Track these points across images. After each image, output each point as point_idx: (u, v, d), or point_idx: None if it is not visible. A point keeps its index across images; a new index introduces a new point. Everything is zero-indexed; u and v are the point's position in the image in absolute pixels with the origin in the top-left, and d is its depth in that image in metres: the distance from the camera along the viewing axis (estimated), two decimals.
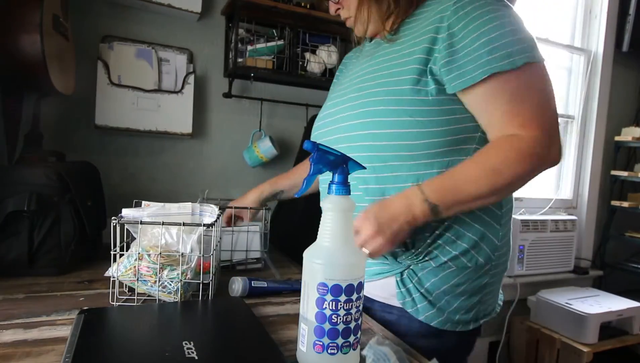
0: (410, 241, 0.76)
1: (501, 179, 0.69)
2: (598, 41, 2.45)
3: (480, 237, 0.76)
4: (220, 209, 0.87)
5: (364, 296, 0.77)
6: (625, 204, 2.38)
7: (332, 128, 0.85)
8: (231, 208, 1.11)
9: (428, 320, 0.76)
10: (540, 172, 0.72)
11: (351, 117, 0.80)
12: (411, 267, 0.76)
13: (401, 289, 0.77)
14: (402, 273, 0.77)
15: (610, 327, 2.00)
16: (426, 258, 0.76)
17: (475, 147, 0.75)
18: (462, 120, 0.74)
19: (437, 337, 0.77)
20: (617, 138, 2.47)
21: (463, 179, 0.70)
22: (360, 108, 0.78)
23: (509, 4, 0.73)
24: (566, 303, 1.95)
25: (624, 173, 2.43)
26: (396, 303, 0.78)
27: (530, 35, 0.71)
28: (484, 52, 0.68)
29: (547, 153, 0.69)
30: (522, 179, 0.70)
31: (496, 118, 0.71)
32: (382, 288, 0.79)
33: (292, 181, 1.15)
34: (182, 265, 0.75)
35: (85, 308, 0.67)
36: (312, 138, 0.92)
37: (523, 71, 0.69)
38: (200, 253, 0.78)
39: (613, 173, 2.49)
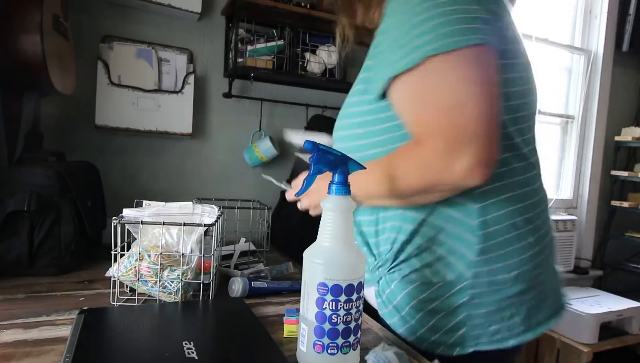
0: (376, 252, 0.73)
1: (398, 186, 0.63)
2: (598, 41, 2.45)
3: (448, 250, 0.67)
4: (220, 210, 0.87)
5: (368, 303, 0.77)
6: (625, 204, 2.38)
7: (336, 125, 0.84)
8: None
9: (405, 334, 0.69)
10: (444, 191, 0.62)
11: (341, 116, 0.80)
12: (384, 279, 0.72)
13: (378, 299, 0.73)
14: (378, 283, 0.73)
15: (610, 327, 2.00)
16: (392, 270, 0.71)
17: None
18: (400, 127, 0.67)
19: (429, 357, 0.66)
20: (617, 138, 2.47)
21: (370, 177, 0.66)
22: (345, 108, 0.78)
23: None
24: None
25: (624, 173, 2.43)
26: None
27: (459, 17, 0.58)
28: (390, 54, 0.62)
29: (445, 169, 0.57)
30: (421, 192, 0.62)
31: (408, 127, 0.64)
32: (371, 296, 0.76)
33: None
34: (182, 265, 0.75)
35: (85, 308, 0.67)
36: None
37: (425, 67, 0.58)
38: (200, 254, 0.78)
39: (613, 173, 2.49)
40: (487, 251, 0.66)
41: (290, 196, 0.85)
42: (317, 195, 0.78)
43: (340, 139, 0.78)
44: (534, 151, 0.73)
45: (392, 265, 0.71)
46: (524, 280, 0.68)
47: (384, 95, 0.66)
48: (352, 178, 0.63)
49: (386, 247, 0.72)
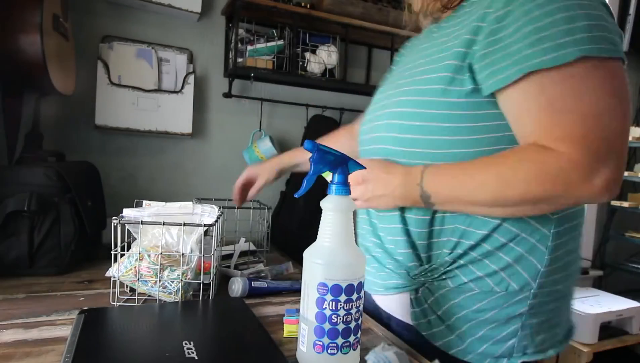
0: (425, 256, 0.66)
1: (509, 193, 0.56)
2: None
3: (516, 258, 0.62)
4: (220, 210, 0.87)
5: (383, 311, 0.75)
6: (625, 204, 2.38)
7: (369, 126, 0.76)
8: (232, 207, 1.10)
9: (445, 347, 0.65)
10: (569, 203, 0.56)
11: (381, 118, 0.71)
12: (426, 285, 0.67)
13: (415, 308, 0.67)
14: (416, 291, 0.67)
15: (610, 326, 2.00)
16: (443, 277, 0.65)
17: None
18: (500, 128, 0.60)
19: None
20: None
21: (468, 177, 0.58)
22: (390, 108, 0.69)
23: None
24: None
25: (624, 173, 2.43)
26: (414, 323, 0.68)
27: (605, 24, 0.54)
28: (525, 45, 0.54)
29: (583, 182, 0.52)
30: (536, 202, 0.56)
31: (529, 129, 0.56)
32: (399, 304, 0.71)
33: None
34: (182, 265, 0.75)
35: (85, 308, 0.67)
36: (360, 135, 0.82)
37: (575, 68, 0.52)
38: (200, 254, 0.78)
39: None
40: (554, 262, 0.63)
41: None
42: (374, 185, 0.66)
43: (407, 130, 0.65)
44: None
45: (446, 270, 0.65)
46: (571, 290, 0.69)
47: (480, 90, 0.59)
48: (435, 168, 0.61)
49: (442, 251, 0.65)
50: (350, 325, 0.53)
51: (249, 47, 1.48)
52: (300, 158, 1.08)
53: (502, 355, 0.64)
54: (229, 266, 0.99)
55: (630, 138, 2.40)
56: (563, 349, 0.68)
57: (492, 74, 0.57)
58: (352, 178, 0.59)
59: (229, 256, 1.04)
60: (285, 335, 0.65)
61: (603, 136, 0.52)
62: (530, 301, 0.63)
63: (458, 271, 0.64)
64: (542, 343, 0.65)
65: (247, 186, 1.08)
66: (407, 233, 0.67)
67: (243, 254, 1.10)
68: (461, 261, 0.64)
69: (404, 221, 0.68)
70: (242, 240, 1.09)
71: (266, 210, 1.13)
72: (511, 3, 0.56)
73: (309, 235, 0.59)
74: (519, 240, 0.62)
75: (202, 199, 1.20)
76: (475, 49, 0.59)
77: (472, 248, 0.63)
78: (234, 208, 1.15)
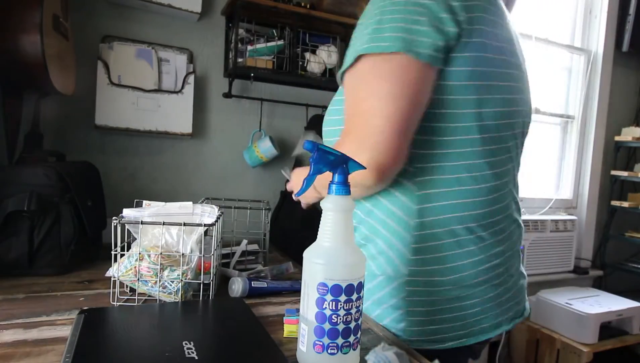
0: None
1: (322, 183, 0.68)
2: (598, 41, 2.45)
3: (388, 245, 0.70)
4: (220, 210, 0.87)
5: None
6: (625, 204, 2.38)
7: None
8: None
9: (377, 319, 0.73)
10: (356, 186, 0.62)
11: None
12: None
13: None
14: None
15: (610, 326, 2.00)
16: None
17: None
18: None
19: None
20: (617, 138, 2.47)
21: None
22: None
23: None
24: (566, 303, 1.95)
25: (624, 173, 2.43)
26: None
27: (397, 24, 0.61)
28: (349, 52, 0.66)
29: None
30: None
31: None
32: None
33: None
34: (182, 265, 0.75)
35: (85, 308, 0.67)
36: None
37: (355, 69, 0.65)
38: (200, 254, 0.78)
39: (613, 173, 2.49)
40: (422, 251, 0.68)
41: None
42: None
43: (327, 134, 0.79)
44: (501, 163, 0.71)
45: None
46: (463, 287, 0.70)
47: None
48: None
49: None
50: (350, 325, 0.53)
51: (249, 47, 1.48)
52: None
53: (397, 335, 0.70)
54: (228, 266, 0.99)
55: (630, 138, 2.40)
56: (469, 344, 0.71)
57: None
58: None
59: (230, 256, 1.04)
60: (285, 335, 0.65)
61: (360, 127, 0.63)
62: (408, 288, 0.69)
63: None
64: (434, 334, 0.70)
65: None
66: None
67: (243, 254, 1.10)
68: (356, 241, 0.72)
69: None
70: (244, 242, 1.08)
71: (263, 210, 1.13)
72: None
73: (309, 235, 0.60)
74: (387, 227, 0.70)
75: (212, 199, 1.20)
76: None
77: (355, 229, 0.73)
78: (233, 207, 1.15)
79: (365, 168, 0.60)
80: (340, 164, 0.55)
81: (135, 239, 0.78)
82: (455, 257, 0.69)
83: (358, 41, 0.64)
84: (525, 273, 0.85)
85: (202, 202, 1.19)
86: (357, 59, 0.64)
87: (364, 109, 0.62)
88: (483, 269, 0.71)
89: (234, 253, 1.04)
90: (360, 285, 0.54)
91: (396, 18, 0.61)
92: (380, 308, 0.72)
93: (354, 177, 0.57)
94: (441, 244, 0.69)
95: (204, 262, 0.79)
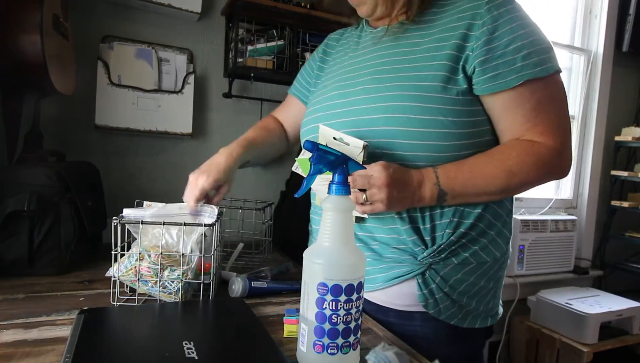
0: (429, 238, 0.74)
1: (514, 181, 0.70)
2: (598, 41, 2.45)
3: (497, 232, 0.77)
4: (220, 210, 0.87)
5: (377, 307, 0.78)
6: (625, 204, 2.38)
7: (342, 120, 0.77)
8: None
9: (449, 319, 0.75)
10: (549, 181, 0.76)
11: (371, 111, 0.74)
12: (433, 266, 0.74)
13: (423, 290, 0.74)
14: (423, 274, 0.74)
15: (610, 327, 2.00)
16: (449, 256, 0.74)
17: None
18: (481, 123, 0.74)
19: (461, 340, 0.77)
20: (617, 138, 2.47)
21: (478, 174, 0.70)
22: (384, 102, 0.72)
23: None
24: (566, 303, 1.95)
25: (624, 173, 2.43)
26: (417, 308, 0.75)
27: (551, 45, 0.73)
28: (518, 57, 0.69)
29: (560, 163, 0.72)
30: (532, 184, 0.73)
31: (518, 123, 0.72)
32: (401, 294, 0.75)
33: (259, 150, 0.97)
34: (182, 265, 0.75)
35: (85, 308, 0.67)
36: (308, 125, 0.86)
37: (551, 79, 0.71)
38: (201, 254, 0.78)
39: (613, 173, 2.49)
40: (511, 230, 0.81)
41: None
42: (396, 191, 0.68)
43: (410, 123, 0.70)
44: None
45: (451, 249, 0.74)
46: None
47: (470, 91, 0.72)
48: (446, 168, 0.70)
49: (446, 231, 0.74)
50: (350, 325, 0.53)
51: (249, 47, 1.48)
52: (251, 153, 0.94)
53: (487, 316, 0.79)
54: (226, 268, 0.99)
55: (630, 138, 2.40)
56: (498, 318, 0.84)
57: (492, 78, 0.70)
58: (373, 180, 0.65)
59: (230, 256, 1.04)
60: (285, 335, 0.65)
61: (566, 129, 0.73)
62: (504, 265, 0.81)
63: (460, 249, 0.75)
64: (496, 307, 0.82)
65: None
66: (411, 220, 0.74)
67: (243, 254, 1.10)
68: (464, 240, 0.75)
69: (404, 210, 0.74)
70: (240, 245, 1.08)
71: (259, 211, 1.13)
72: (497, 19, 0.70)
73: (309, 235, 0.60)
74: (498, 216, 0.77)
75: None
76: (468, 53, 0.70)
77: (471, 227, 0.74)
78: (233, 207, 1.15)
79: (365, 168, 0.61)
80: (340, 164, 0.55)
81: (135, 239, 0.78)
82: (509, 234, 0.82)
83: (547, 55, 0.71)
84: None
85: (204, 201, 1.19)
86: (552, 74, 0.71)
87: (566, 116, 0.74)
88: None
89: (232, 254, 1.04)
90: (360, 285, 0.54)
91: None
92: (480, 294, 0.77)
93: (556, 173, 0.74)
94: (512, 222, 0.82)
95: (204, 262, 0.79)
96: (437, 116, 0.70)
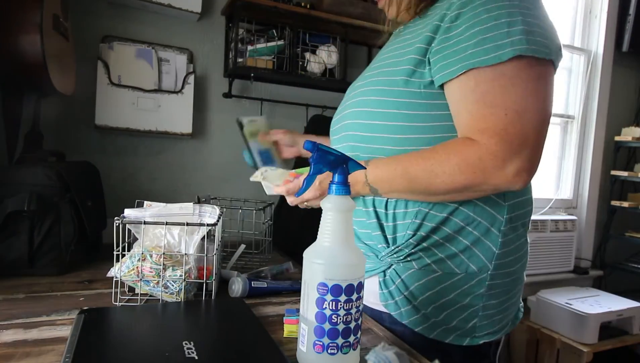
0: (390, 237, 0.71)
1: (437, 183, 0.63)
2: (598, 41, 2.45)
3: (474, 241, 0.68)
4: (221, 210, 0.87)
5: None
6: (625, 204, 2.38)
7: (338, 117, 0.83)
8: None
9: (412, 325, 0.70)
10: (485, 191, 0.63)
11: (348, 107, 0.78)
12: (393, 267, 0.71)
13: (383, 290, 0.72)
14: (384, 273, 0.72)
15: (610, 327, 2.00)
16: (408, 259, 0.70)
17: None
18: (444, 117, 0.67)
19: (433, 350, 0.67)
20: (617, 138, 2.47)
21: (402, 171, 0.65)
22: (355, 97, 0.76)
23: None
24: (566, 303, 1.95)
25: (624, 173, 2.43)
26: (383, 308, 0.73)
27: (545, 28, 0.61)
28: (470, 44, 0.60)
29: (497, 170, 0.59)
30: (461, 190, 0.63)
31: (462, 118, 0.63)
32: (368, 291, 0.74)
33: None
34: (184, 265, 0.75)
35: (85, 308, 0.67)
36: (330, 129, 0.89)
37: (509, 66, 0.59)
38: (202, 253, 0.78)
39: (613, 173, 2.49)
40: (506, 244, 0.70)
41: (290, 199, 0.79)
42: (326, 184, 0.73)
43: (371, 116, 0.71)
44: None
45: (410, 252, 0.69)
46: (523, 272, 0.76)
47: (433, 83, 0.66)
48: (376, 166, 0.67)
49: (407, 233, 0.69)
50: (350, 325, 0.53)
51: (249, 47, 1.48)
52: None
53: (464, 335, 0.70)
54: (227, 267, 0.99)
55: (630, 138, 2.40)
56: (512, 328, 0.77)
57: (441, 68, 0.63)
58: (306, 193, 0.70)
59: (231, 255, 1.03)
60: (285, 335, 0.65)
61: (520, 131, 0.59)
62: (488, 282, 0.69)
63: (422, 254, 0.69)
64: (499, 323, 0.73)
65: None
66: (376, 214, 0.73)
67: (243, 254, 1.10)
68: (424, 244, 0.69)
69: (370, 201, 0.73)
70: (242, 246, 1.08)
71: (258, 211, 1.13)
72: (465, 6, 0.62)
73: (309, 235, 0.60)
74: (475, 223, 0.68)
75: (212, 199, 1.21)
76: (432, 45, 0.65)
77: (434, 230, 0.68)
78: (233, 208, 1.15)
79: (365, 168, 0.61)
80: (340, 164, 0.55)
81: (136, 239, 0.78)
82: (519, 247, 0.73)
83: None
84: None
85: (205, 201, 1.19)
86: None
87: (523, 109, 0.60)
88: (525, 262, 0.76)
89: (233, 254, 1.04)
90: (360, 285, 0.54)
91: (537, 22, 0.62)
92: (451, 309, 0.69)
93: (490, 179, 0.60)
94: (516, 235, 0.72)
95: (205, 262, 0.79)
96: (394, 109, 0.68)
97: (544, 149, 0.63)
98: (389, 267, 0.72)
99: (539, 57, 0.60)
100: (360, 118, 0.73)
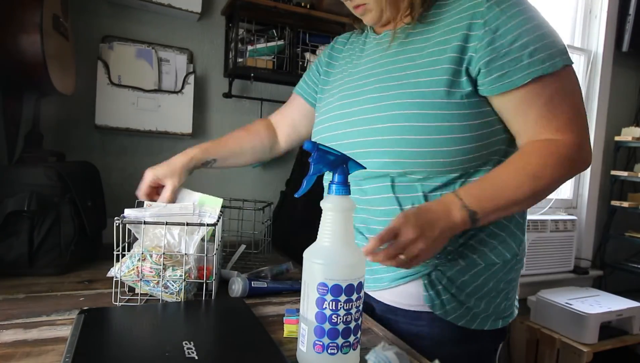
0: None
1: (541, 184, 0.67)
2: (598, 41, 2.45)
3: (509, 233, 0.75)
4: (221, 210, 0.87)
5: (385, 306, 0.77)
6: (625, 204, 2.38)
7: (348, 130, 0.78)
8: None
9: (456, 320, 0.73)
10: (574, 175, 0.73)
11: (376, 120, 0.73)
12: (439, 267, 0.73)
13: (429, 291, 0.73)
14: (429, 275, 0.73)
15: (610, 326, 2.00)
16: (455, 257, 0.73)
17: (499, 159, 0.72)
18: (491, 123, 0.71)
19: (470, 341, 0.75)
20: (617, 138, 2.47)
21: (503, 185, 0.67)
22: (388, 111, 0.72)
23: None
24: (566, 303, 1.95)
25: (624, 173, 2.43)
26: (424, 308, 0.74)
27: (560, 37, 0.70)
28: (524, 54, 0.66)
29: (580, 156, 0.69)
30: (558, 184, 0.70)
31: (531, 122, 0.69)
32: (407, 294, 0.75)
33: (228, 149, 0.99)
34: (184, 265, 0.75)
35: (85, 308, 0.67)
36: (316, 136, 0.87)
37: (561, 73, 0.67)
38: (202, 253, 0.78)
39: (613, 173, 2.49)
40: (524, 231, 0.79)
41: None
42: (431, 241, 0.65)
43: (412, 131, 0.69)
44: None
45: (458, 251, 0.73)
46: (522, 261, 0.82)
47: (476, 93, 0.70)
48: (476, 190, 0.68)
49: (455, 236, 0.71)
50: (350, 325, 0.53)
51: (249, 47, 1.48)
52: (216, 150, 0.97)
53: (498, 318, 0.77)
54: (227, 267, 0.99)
55: (630, 138, 2.40)
56: (512, 319, 0.82)
57: (499, 78, 0.67)
58: (403, 240, 0.62)
59: (231, 255, 1.03)
60: (285, 335, 0.65)
61: (582, 122, 0.70)
62: (517, 267, 0.78)
63: (467, 251, 0.74)
64: (509, 309, 0.80)
65: (153, 191, 0.92)
66: None
67: (243, 254, 1.10)
68: (471, 242, 0.74)
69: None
70: (242, 246, 1.08)
71: (259, 211, 1.13)
72: (499, 17, 0.67)
73: (309, 235, 0.60)
74: (509, 217, 0.75)
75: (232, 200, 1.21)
76: (471, 55, 0.68)
77: (481, 229, 0.73)
78: (233, 207, 1.15)
79: (365, 168, 0.61)
80: (340, 164, 0.55)
81: (137, 239, 0.78)
82: (522, 235, 0.80)
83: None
84: None
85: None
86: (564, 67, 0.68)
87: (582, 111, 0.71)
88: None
89: (233, 254, 1.04)
90: (360, 285, 0.54)
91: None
92: (489, 296, 0.75)
93: (580, 167, 0.71)
94: (525, 221, 0.80)
95: (206, 262, 0.79)
96: (442, 122, 0.68)
97: None
98: (435, 269, 0.73)
99: (570, 64, 0.69)
100: (402, 134, 0.70)
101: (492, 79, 0.67)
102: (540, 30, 0.67)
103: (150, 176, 0.90)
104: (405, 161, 0.70)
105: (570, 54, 0.69)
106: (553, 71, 0.66)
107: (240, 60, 1.47)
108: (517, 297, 0.83)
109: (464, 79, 0.68)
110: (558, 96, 0.68)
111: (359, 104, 0.77)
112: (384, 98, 0.73)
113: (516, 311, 0.82)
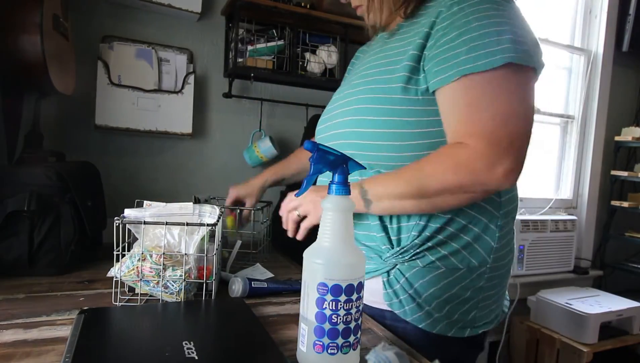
0: (395, 238, 0.73)
1: (430, 184, 0.65)
2: (598, 41, 2.45)
3: (474, 238, 0.72)
4: (220, 210, 0.87)
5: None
6: (625, 204, 2.38)
7: (327, 125, 0.84)
8: (235, 208, 1.15)
9: (416, 321, 0.72)
10: (476, 192, 0.65)
11: (342, 115, 0.78)
12: (397, 267, 0.73)
13: (388, 290, 0.73)
14: (388, 273, 0.74)
15: (610, 326, 2.00)
16: (413, 258, 0.72)
17: None
18: (436, 122, 0.70)
19: (434, 345, 0.72)
20: (617, 138, 2.47)
21: (396, 176, 0.68)
22: (351, 105, 0.76)
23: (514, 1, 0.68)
24: (566, 303, 1.95)
25: (624, 173, 2.43)
26: (386, 307, 0.74)
27: (528, 38, 0.65)
28: (462, 51, 0.63)
29: (487, 170, 0.62)
30: (452, 190, 0.65)
31: (453, 123, 0.66)
32: (370, 290, 0.75)
33: (292, 170, 1.17)
34: (184, 265, 0.75)
35: (86, 308, 0.67)
36: (316, 135, 0.92)
37: (499, 73, 0.62)
38: (202, 253, 0.78)
39: (613, 173, 2.49)
40: (501, 239, 0.74)
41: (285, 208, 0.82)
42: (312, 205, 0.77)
43: (370, 125, 0.73)
44: None
45: (416, 252, 0.72)
46: (510, 266, 0.80)
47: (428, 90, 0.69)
48: (374, 179, 0.70)
49: (412, 234, 0.71)
50: (350, 325, 0.53)
51: (249, 47, 1.48)
52: (283, 172, 1.17)
53: (465, 326, 0.73)
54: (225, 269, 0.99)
55: (630, 138, 2.40)
56: (491, 327, 0.78)
57: (435, 74, 0.66)
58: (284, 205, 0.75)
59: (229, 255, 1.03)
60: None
61: (507, 134, 0.62)
62: (487, 275, 0.74)
63: (427, 252, 0.72)
64: (494, 312, 0.77)
65: (236, 204, 1.15)
66: (380, 217, 0.74)
67: (243, 254, 1.10)
68: (429, 244, 0.71)
69: None
70: (239, 242, 1.08)
71: (261, 211, 1.13)
72: (455, 15, 0.66)
73: (309, 235, 0.60)
74: (476, 221, 0.72)
75: (212, 199, 1.22)
76: (426, 53, 0.68)
77: (439, 231, 0.71)
78: (234, 208, 1.15)
79: (365, 168, 0.61)
80: (341, 164, 0.55)
81: (136, 239, 0.78)
82: (510, 242, 0.78)
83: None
84: None
85: (206, 201, 1.19)
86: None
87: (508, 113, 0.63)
88: (513, 254, 0.81)
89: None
90: (360, 285, 0.54)
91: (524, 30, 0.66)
92: (453, 303, 0.72)
93: (479, 179, 0.63)
94: (510, 229, 0.77)
95: (205, 262, 0.79)
96: (394, 116, 0.70)
97: (528, 151, 0.66)
98: (393, 267, 0.74)
99: (524, 65, 0.63)
100: (358, 127, 0.74)
101: (431, 75, 0.67)
102: (488, 28, 0.62)
103: (234, 194, 1.13)
104: (366, 153, 0.73)
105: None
106: (485, 70, 0.61)
107: (240, 60, 1.47)
108: (496, 308, 0.78)
109: (421, 76, 0.69)
110: (486, 98, 0.62)
111: (338, 100, 0.82)
112: (352, 94, 0.78)
113: (495, 323, 0.78)
